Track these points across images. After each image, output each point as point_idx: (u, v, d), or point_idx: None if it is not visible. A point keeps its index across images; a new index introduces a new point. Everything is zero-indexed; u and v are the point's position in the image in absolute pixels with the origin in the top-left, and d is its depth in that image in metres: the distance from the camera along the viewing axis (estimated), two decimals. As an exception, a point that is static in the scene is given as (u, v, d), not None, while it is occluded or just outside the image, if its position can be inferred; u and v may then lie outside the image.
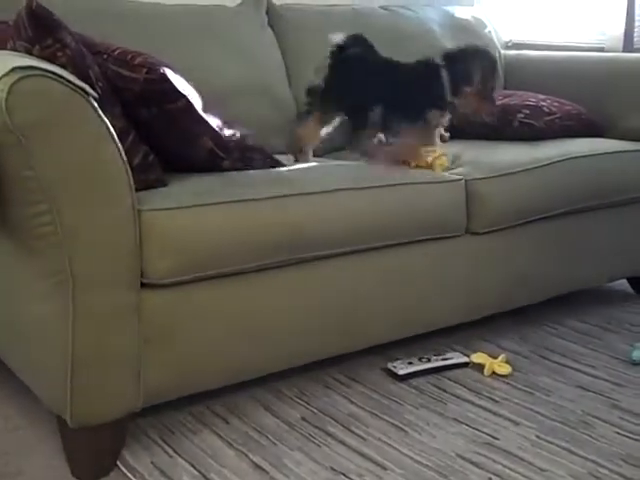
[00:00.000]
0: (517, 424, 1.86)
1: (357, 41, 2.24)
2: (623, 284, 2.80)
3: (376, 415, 1.90)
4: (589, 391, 2.04)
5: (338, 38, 2.21)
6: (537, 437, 1.81)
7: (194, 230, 1.65)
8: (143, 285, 1.62)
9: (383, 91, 2.19)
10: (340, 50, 2.23)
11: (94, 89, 1.54)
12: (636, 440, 1.80)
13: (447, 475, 1.65)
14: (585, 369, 2.17)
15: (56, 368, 1.57)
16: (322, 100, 2.22)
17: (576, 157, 2.36)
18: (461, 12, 3.07)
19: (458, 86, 2.13)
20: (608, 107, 2.69)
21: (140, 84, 1.70)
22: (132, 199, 1.55)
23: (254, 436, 1.80)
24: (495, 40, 3.12)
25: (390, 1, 2.94)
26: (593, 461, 1.71)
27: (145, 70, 1.67)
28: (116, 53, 1.74)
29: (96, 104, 1.49)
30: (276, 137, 2.39)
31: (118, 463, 1.68)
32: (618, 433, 1.83)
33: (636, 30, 3.49)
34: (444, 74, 2.13)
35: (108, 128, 1.51)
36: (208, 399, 1.93)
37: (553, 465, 1.69)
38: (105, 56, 1.73)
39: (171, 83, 1.69)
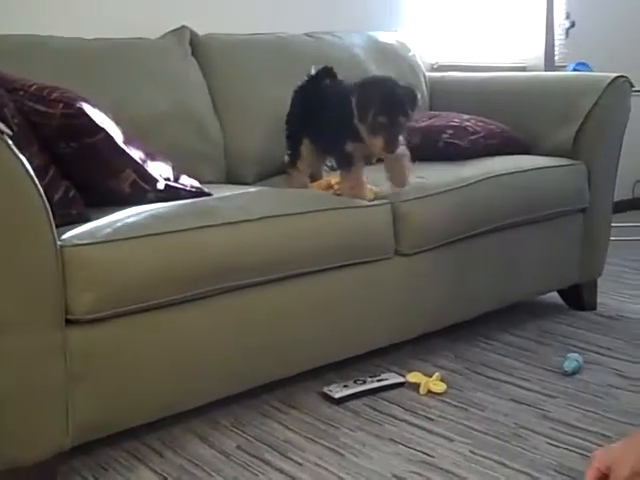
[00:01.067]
0: (452, 440, 1.88)
1: (326, 73, 2.30)
2: (554, 296, 2.85)
3: (312, 440, 1.90)
4: (522, 404, 2.07)
5: (312, 71, 2.30)
6: (471, 452, 1.83)
7: (116, 264, 1.64)
8: (68, 322, 1.61)
9: (316, 123, 2.24)
10: (307, 82, 2.32)
11: (9, 127, 1.53)
12: (567, 449, 1.83)
13: (382, 496, 1.66)
14: (518, 382, 2.21)
15: (-20, 411, 1.54)
16: (288, 126, 2.37)
17: (500, 174, 2.41)
18: (385, 37, 3.11)
19: (363, 116, 2.05)
20: (532, 125, 2.76)
21: (57, 119, 1.69)
22: (52, 235, 1.54)
23: (189, 468, 1.78)
24: (420, 63, 3.18)
25: (315, 28, 2.97)
26: (526, 473, 1.73)
27: (62, 105, 1.67)
28: (33, 89, 1.74)
29: (11, 142, 1.48)
30: (204, 165, 2.40)
31: (50, 504, 1.66)
32: (550, 444, 1.86)
33: (557, 49, 3.60)
34: (354, 107, 2.07)
35: (24, 166, 1.49)
36: (142, 433, 1.90)
37: (487, 479, 1.71)
38: (22, 92, 1.72)
39: (88, 117, 1.69)
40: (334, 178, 2.25)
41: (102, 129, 1.72)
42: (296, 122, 2.35)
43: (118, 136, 1.78)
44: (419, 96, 2.13)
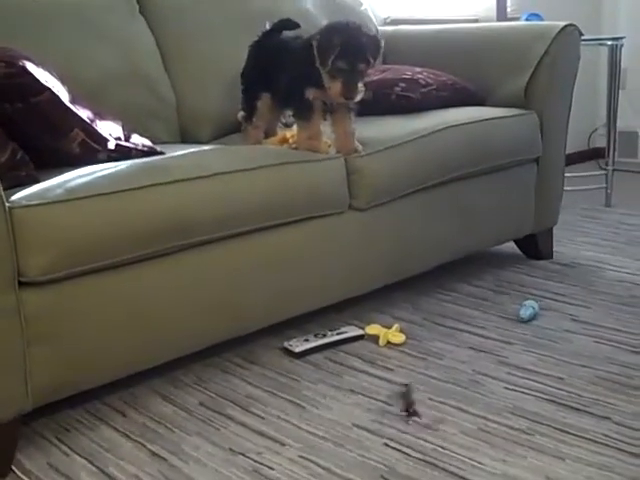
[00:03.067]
0: (411, 389, 1.91)
1: (285, 25, 2.29)
2: (511, 246, 2.89)
3: (274, 394, 1.92)
4: (480, 351, 2.11)
5: (267, 25, 2.28)
6: (430, 399, 1.86)
7: (68, 225, 1.62)
8: (22, 284, 1.59)
9: (274, 75, 2.22)
10: (262, 36, 2.30)
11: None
12: (522, 392, 1.87)
13: (343, 444, 1.68)
14: (476, 331, 2.24)
15: (-64, 376, 1.53)
16: (244, 80, 2.36)
17: (453, 126, 2.41)
18: (337, -9, 3.09)
19: (324, 60, 2.04)
20: (484, 76, 2.76)
21: None
22: (1, 197, 1.52)
23: (152, 426, 1.79)
24: (372, 17, 3.16)
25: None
26: (482, 417, 1.77)
27: (3, 64, 1.64)
28: (-27, 50, 1.70)
29: (-47, 103, 1.45)
30: (155, 124, 2.38)
31: (13, 467, 1.65)
32: (506, 388, 1.90)
33: (509, 0, 3.60)
34: (315, 50, 2.05)
35: (-32, 127, 1.47)
36: (104, 394, 1.91)
37: (444, 424, 1.74)
38: (-38, 53, 1.69)
39: (32, 75, 1.66)
40: (289, 132, 2.25)
41: (47, 88, 1.69)
42: (253, 76, 2.33)
43: (64, 95, 1.75)
44: (382, 44, 2.11)
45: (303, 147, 2.13)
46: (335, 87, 2.04)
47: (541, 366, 2.00)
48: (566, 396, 1.84)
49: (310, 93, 2.11)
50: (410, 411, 1.77)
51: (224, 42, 2.62)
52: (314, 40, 2.06)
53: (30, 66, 1.66)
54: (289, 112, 2.32)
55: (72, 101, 1.77)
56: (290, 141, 2.21)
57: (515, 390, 1.88)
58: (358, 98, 2.08)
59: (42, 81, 1.68)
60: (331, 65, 2.02)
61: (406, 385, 1.87)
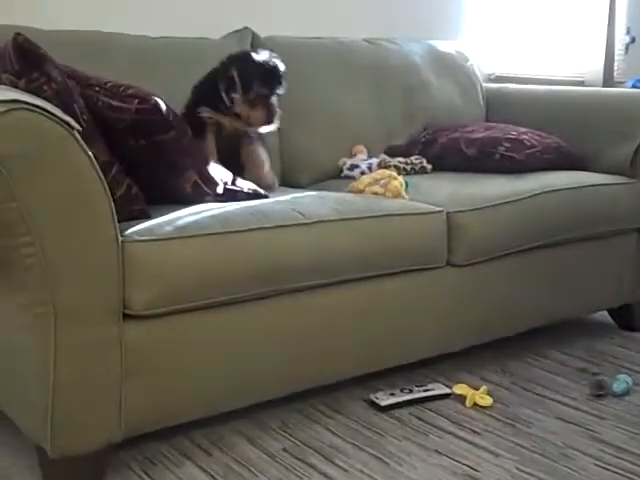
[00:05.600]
0: (497, 456, 1.87)
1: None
2: (604, 315, 2.82)
3: (358, 446, 1.90)
4: (570, 423, 2.05)
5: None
6: (517, 469, 1.81)
7: (176, 262, 1.66)
8: (126, 316, 1.63)
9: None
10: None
11: (79, 122, 1.56)
12: (615, 472, 1.81)
13: (427, 507, 1.66)
14: (566, 401, 2.19)
15: (37, 399, 1.58)
16: None
17: (556, 190, 2.39)
18: (444, 46, 3.11)
19: (226, 93, 2.12)
20: (589, 141, 2.73)
21: (132, 114, 1.72)
22: (115, 230, 1.57)
23: (235, 468, 1.80)
24: (477, 73, 3.16)
25: (375, 34, 2.98)
26: (573, 493, 1.72)
27: (137, 100, 1.70)
28: (108, 85, 1.78)
29: (79, 137, 1.50)
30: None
31: (99, 495, 1.68)
32: (597, 465, 1.84)
33: (616, 64, 3.55)
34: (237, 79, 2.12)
35: (91, 160, 1.52)
36: (191, 430, 1.92)
37: (533, 497, 1.70)
38: (97, 88, 1.76)
39: (162, 113, 1.72)
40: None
41: (174, 127, 1.74)
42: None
43: (186, 135, 1.80)
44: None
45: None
46: (257, 113, 2.11)
47: (634, 445, 1.93)
48: (661, 480, 1.78)
49: (205, 112, 2.13)
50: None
51: (330, 90, 2.67)
52: (233, 70, 2.11)
53: (162, 104, 1.71)
54: None
55: (190, 142, 1.81)
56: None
57: (607, 469, 1.82)
58: (277, 124, 2.14)
59: (170, 120, 1.73)
60: (255, 91, 2.08)
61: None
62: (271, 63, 2.15)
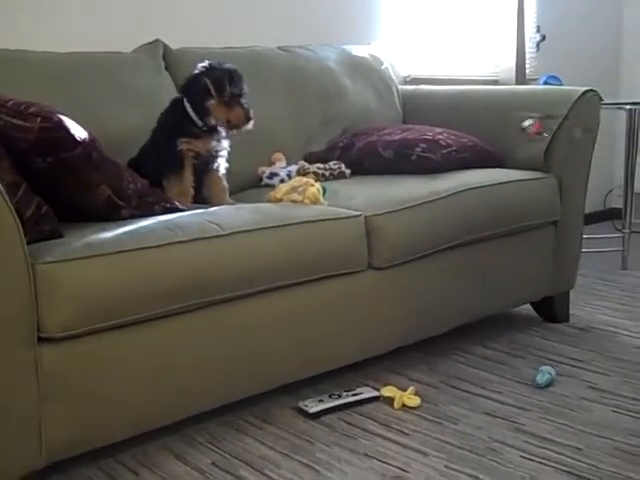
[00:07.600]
0: (426, 455, 1.89)
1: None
2: (528, 309, 2.87)
3: (288, 456, 1.90)
4: (496, 417, 2.08)
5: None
6: (445, 467, 1.83)
7: (89, 281, 1.63)
8: (41, 339, 1.60)
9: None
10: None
11: (-20, 144, 1.52)
12: (540, 463, 1.84)
13: (358, 512, 1.66)
14: (492, 395, 2.22)
15: (-49, 430, 1.53)
16: None
17: (473, 188, 2.43)
18: (358, 50, 3.13)
19: (200, 105, 2.19)
20: (504, 138, 2.77)
21: (34, 133, 1.68)
22: (24, 252, 1.53)
23: (164, 486, 1.78)
24: (392, 75, 3.19)
25: (288, 42, 2.98)
26: (500, 487, 1.74)
27: (39, 119, 1.66)
28: (9, 104, 1.72)
29: (-18, 159, 1.47)
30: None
31: (23, 524, 1.64)
32: (523, 457, 1.87)
33: (528, 62, 3.63)
34: (186, 102, 2.21)
35: (-4, 183, 1.48)
36: (117, 451, 1.89)
37: (461, 494, 1.72)
38: (-2, 107, 1.71)
39: (67, 131, 1.68)
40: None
41: (80, 143, 1.71)
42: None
43: (96, 151, 1.77)
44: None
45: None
46: (236, 113, 2.20)
47: (559, 435, 1.97)
48: (585, 468, 1.81)
49: (182, 144, 2.19)
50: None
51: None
52: (205, 78, 2.20)
53: (66, 121, 1.68)
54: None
55: (100, 157, 1.78)
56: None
57: (533, 460, 1.85)
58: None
59: (76, 136, 1.70)
60: (228, 92, 2.17)
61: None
62: (232, 67, 2.26)
